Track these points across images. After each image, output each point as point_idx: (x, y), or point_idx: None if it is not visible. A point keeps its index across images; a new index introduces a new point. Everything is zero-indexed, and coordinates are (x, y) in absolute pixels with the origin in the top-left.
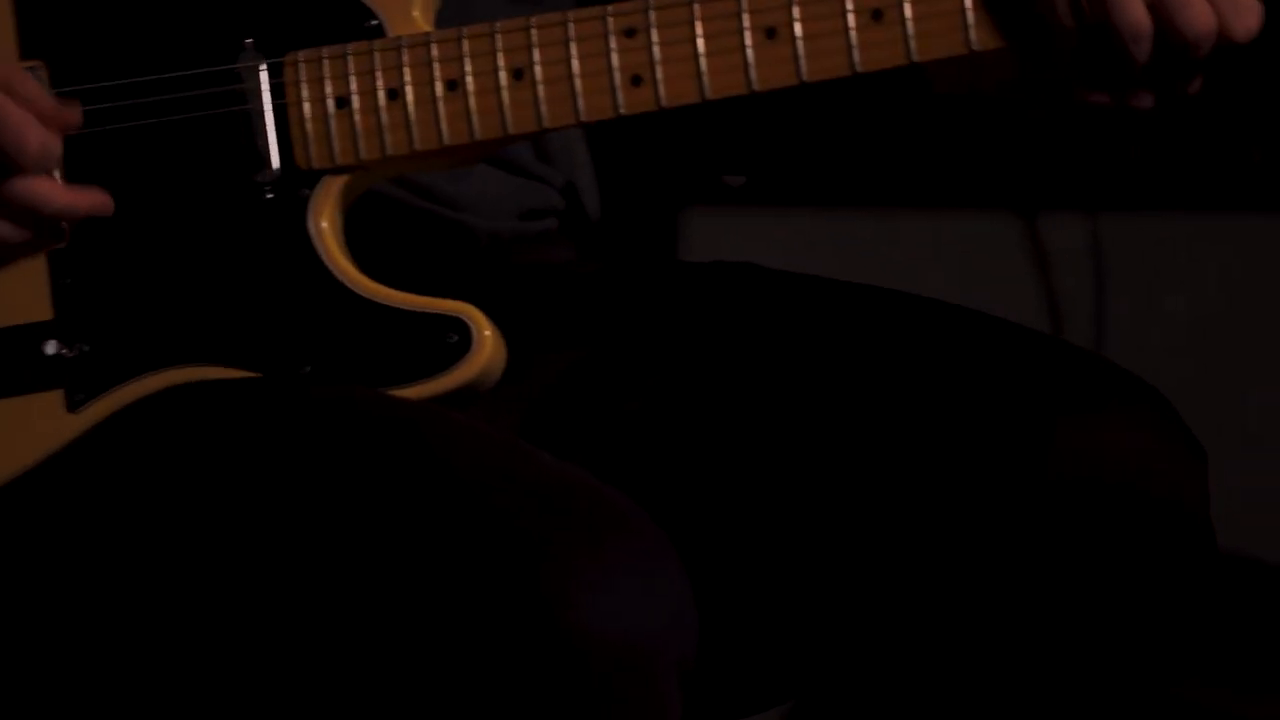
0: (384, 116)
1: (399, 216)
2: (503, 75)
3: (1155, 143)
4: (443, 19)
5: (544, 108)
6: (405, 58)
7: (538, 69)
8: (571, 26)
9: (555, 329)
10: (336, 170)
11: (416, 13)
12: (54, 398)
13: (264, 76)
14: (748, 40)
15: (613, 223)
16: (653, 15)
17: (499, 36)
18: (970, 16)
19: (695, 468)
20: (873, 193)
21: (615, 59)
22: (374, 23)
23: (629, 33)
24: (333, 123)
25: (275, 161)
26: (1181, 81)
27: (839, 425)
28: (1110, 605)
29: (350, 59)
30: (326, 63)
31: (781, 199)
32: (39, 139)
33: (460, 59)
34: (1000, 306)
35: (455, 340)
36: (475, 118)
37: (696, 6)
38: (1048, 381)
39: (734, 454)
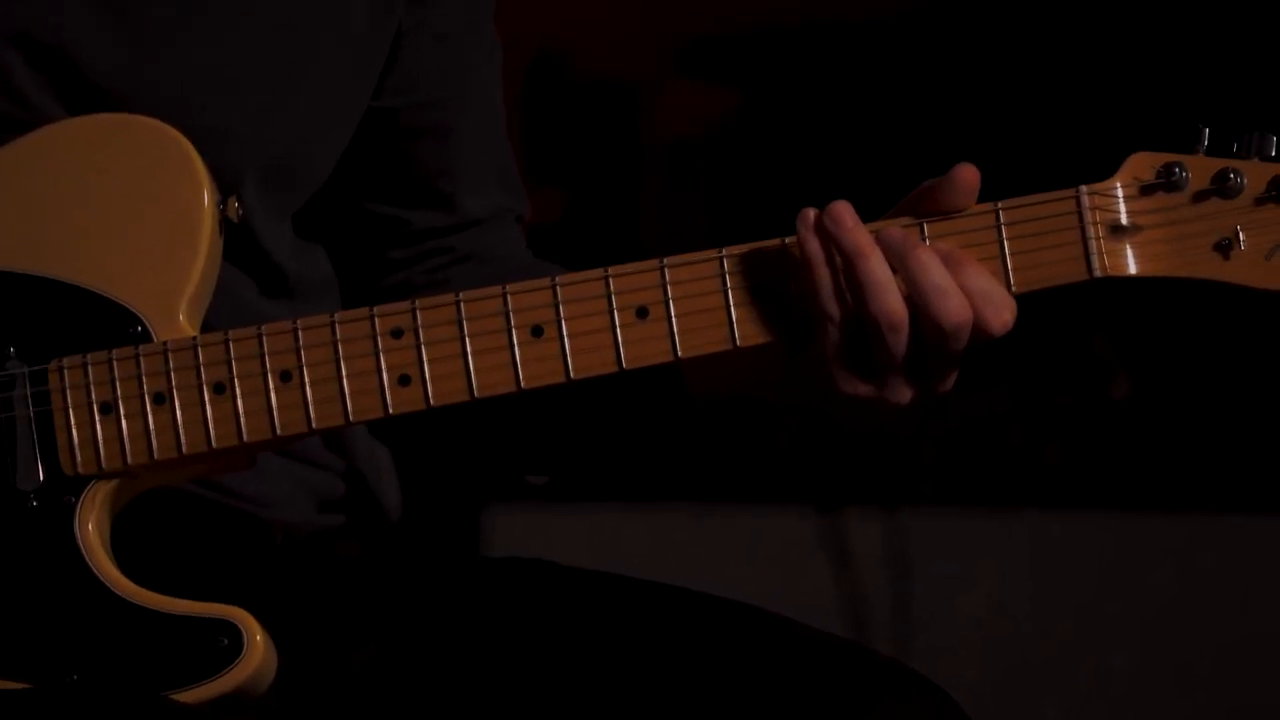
0: (150, 421)
1: (190, 509)
2: (270, 378)
3: (952, 440)
4: (208, 321)
5: (313, 409)
6: (171, 362)
7: (305, 371)
8: (338, 328)
9: (347, 625)
10: (103, 476)
11: (182, 317)
12: None
13: (26, 384)
14: (515, 339)
15: (412, 519)
16: (419, 316)
17: (265, 339)
18: (734, 313)
19: None
20: (676, 487)
21: (383, 359)
22: (138, 328)
23: (396, 333)
24: (98, 429)
25: (39, 469)
26: (938, 374)
27: None
28: None
29: (115, 364)
30: (90, 369)
31: (585, 495)
32: None
33: (227, 362)
34: (802, 601)
35: (226, 644)
36: (244, 420)
37: (463, 306)
38: (835, 688)
39: None
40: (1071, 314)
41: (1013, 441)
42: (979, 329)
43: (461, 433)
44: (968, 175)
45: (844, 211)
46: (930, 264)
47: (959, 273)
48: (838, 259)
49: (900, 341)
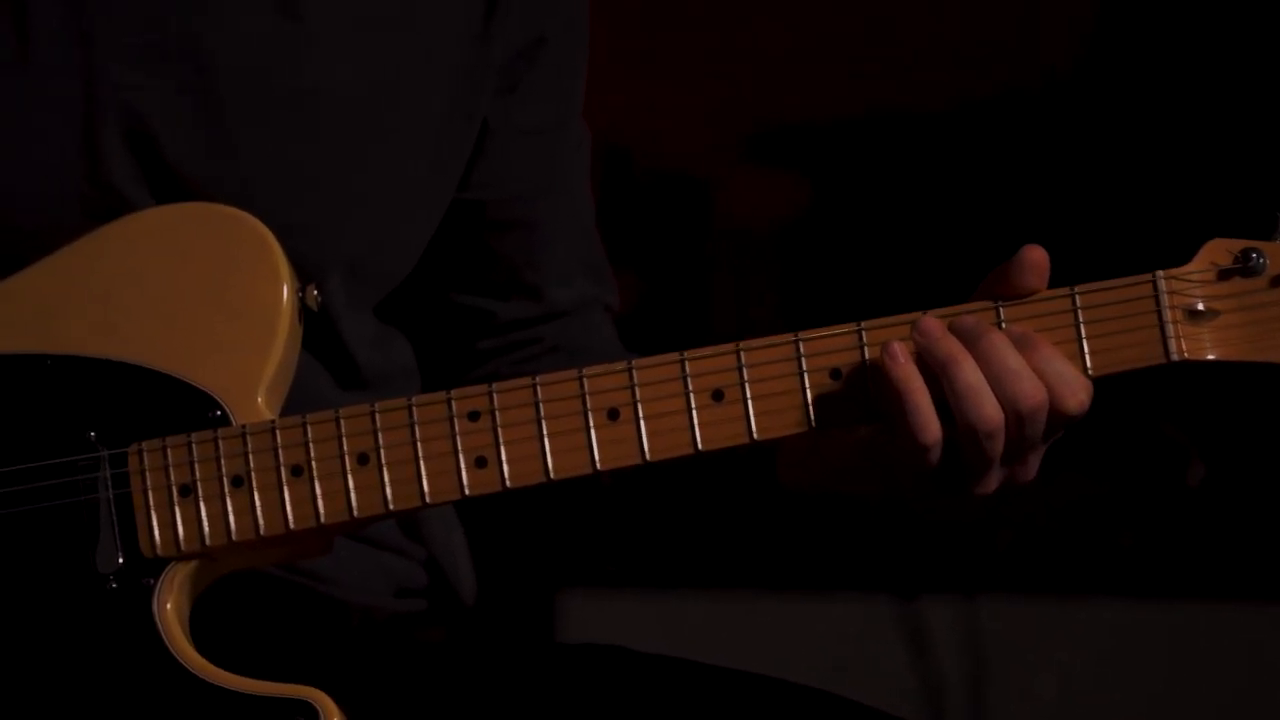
0: (229, 503)
1: (268, 591)
2: (348, 460)
3: (1028, 528)
4: (283, 411)
5: (390, 490)
6: (249, 445)
7: (382, 453)
8: (415, 411)
9: (422, 710)
10: (182, 557)
11: (261, 401)
12: None
13: (106, 467)
14: (591, 421)
15: (488, 605)
16: (496, 399)
17: (343, 422)
18: (809, 395)
19: None
20: (751, 574)
21: (459, 441)
22: (218, 412)
23: (473, 416)
24: (177, 511)
25: (119, 551)
26: (1022, 460)
27: None
28: None
29: (194, 447)
30: (169, 451)
31: (660, 579)
32: None
33: (305, 445)
34: (879, 687)
35: None
36: (321, 502)
37: (539, 389)
38: None
39: None
40: (1144, 399)
41: (1088, 527)
42: (1055, 411)
43: (539, 518)
44: (1035, 256)
45: (930, 323)
46: (1003, 347)
47: (1033, 355)
48: (920, 386)
49: (996, 446)
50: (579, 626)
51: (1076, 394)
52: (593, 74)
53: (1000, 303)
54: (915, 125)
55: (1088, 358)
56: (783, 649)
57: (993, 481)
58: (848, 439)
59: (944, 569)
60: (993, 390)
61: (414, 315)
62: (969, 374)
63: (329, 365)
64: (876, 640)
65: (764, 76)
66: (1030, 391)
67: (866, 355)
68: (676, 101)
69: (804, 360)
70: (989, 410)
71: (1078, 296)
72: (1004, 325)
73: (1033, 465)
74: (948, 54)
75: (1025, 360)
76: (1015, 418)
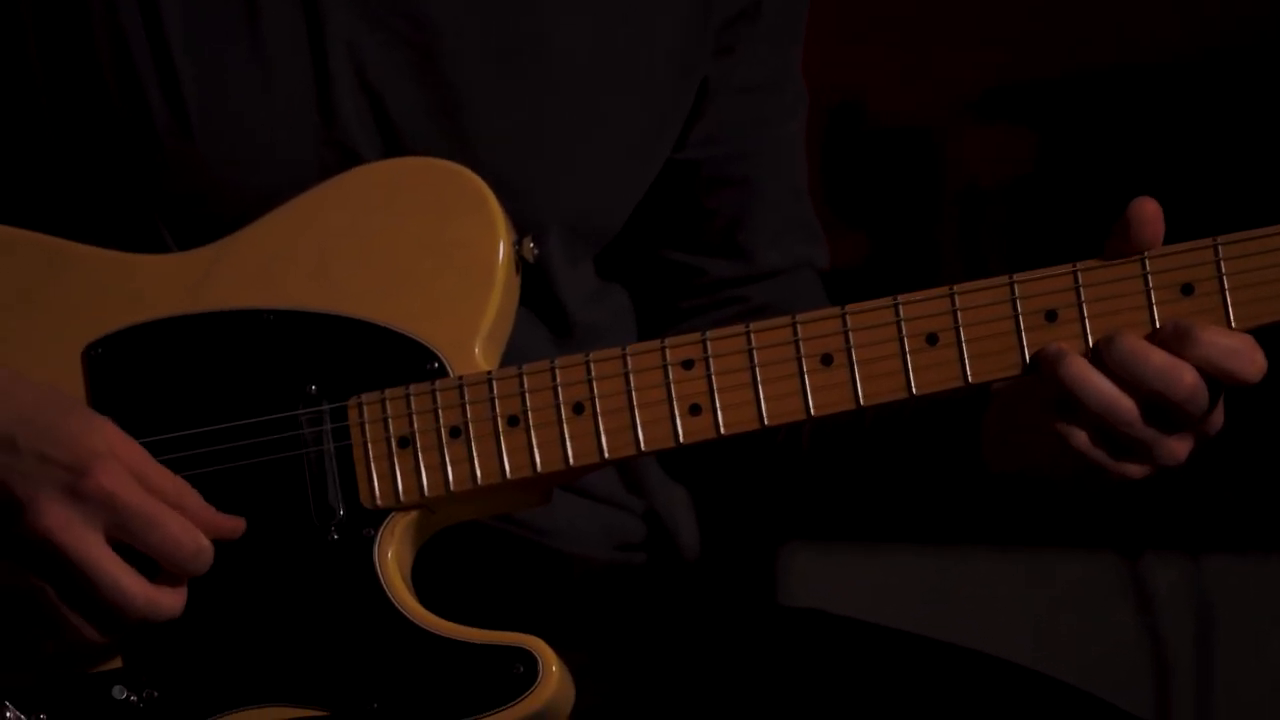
0: (447, 454)
1: (489, 542)
2: (563, 409)
3: (1254, 486)
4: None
5: (605, 439)
6: (466, 396)
7: (597, 402)
8: (629, 360)
9: (642, 664)
10: (402, 508)
11: (478, 352)
12: None
13: (327, 420)
14: (804, 367)
15: (710, 561)
16: (709, 346)
17: (558, 372)
18: (1024, 337)
19: None
20: (977, 531)
21: (673, 389)
22: (435, 364)
23: (686, 364)
24: (396, 462)
25: (340, 502)
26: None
27: None
28: None
29: (412, 399)
30: (388, 403)
31: (885, 537)
32: (194, 549)
33: (521, 395)
34: (1103, 646)
35: (521, 672)
36: (537, 451)
37: (753, 336)
38: None
39: None
40: None
41: None
42: (1235, 384)
43: (760, 474)
44: (1150, 209)
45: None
46: (1148, 353)
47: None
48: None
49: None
50: (801, 585)
51: (1255, 361)
52: (823, 32)
53: (1146, 254)
54: (1145, 77)
55: (1230, 310)
56: (1007, 607)
57: (1182, 448)
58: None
59: (1169, 528)
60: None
61: (628, 271)
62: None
63: (545, 319)
64: (1101, 598)
65: (992, 32)
66: (1188, 382)
67: (1083, 296)
68: (906, 60)
69: (1019, 302)
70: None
71: (1220, 247)
72: (1150, 276)
73: (1217, 420)
74: (1174, 6)
75: (1181, 355)
76: (1168, 404)
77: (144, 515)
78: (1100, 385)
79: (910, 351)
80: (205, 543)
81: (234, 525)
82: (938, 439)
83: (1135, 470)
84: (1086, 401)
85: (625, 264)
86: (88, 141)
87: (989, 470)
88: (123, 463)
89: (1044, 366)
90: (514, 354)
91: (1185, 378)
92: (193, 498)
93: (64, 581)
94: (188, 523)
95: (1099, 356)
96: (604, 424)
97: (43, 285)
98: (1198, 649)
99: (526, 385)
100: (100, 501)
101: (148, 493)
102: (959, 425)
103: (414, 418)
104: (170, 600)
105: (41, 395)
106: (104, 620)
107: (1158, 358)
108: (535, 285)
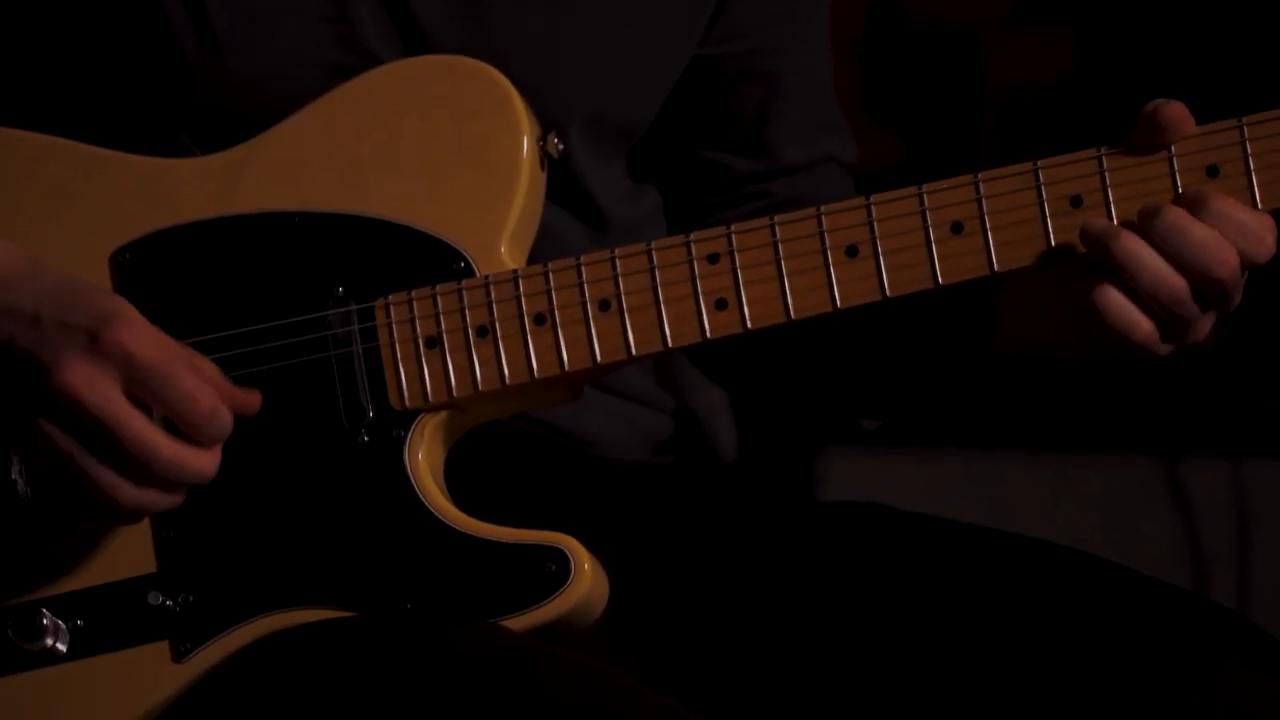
0: (474, 353)
1: (520, 444)
2: (590, 307)
3: None
4: (535, 260)
5: (632, 335)
6: (493, 294)
7: (624, 298)
8: (654, 255)
9: (677, 563)
10: (430, 409)
11: (504, 251)
12: (160, 649)
13: (355, 321)
14: (830, 259)
15: (747, 463)
16: (734, 240)
17: (584, 269)
18: (1050, 224)
19: (803, 706)
20: (1014, 434)
21: (699, 284)
22: (462, 264)
23: (712, 258)
24: (424, 363)
25: (369, 404)
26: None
27: (966, 675)
28: None
29: (439, 299)
30: (415, 304)
31: (920, 439)
32: (211, 407)
33: (547, 293)
34: (1141, 550)
35: (553, 570)
36: (565, 349)
37: (778, 229)
38: (1174, 640)
39: (849, 698)
40: None
41: None
42: (1245, 263)
43: (794, 376)
44: (1167, 112)
45: (1098, 223)
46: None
47: (1209, 213)
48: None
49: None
50: (838, 486)
51: (1264, 240)
52: None
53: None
54: None
55: (1256, 190)
56: (1042, 508)
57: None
58: (1065, 300)
59: (1208, 431)
60: (1177, 265)
61: (660, 172)
62: (1197, 230)
63: (581, 215)
64: (1139, 501)
65: None
66: (1221, 258)
67: (1108, 181)
68: None
69: (1044, 189)
70: (1227, 254)
71: (1245, 128)
72: (1176, 159)
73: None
74: None
75: (1205, 224)
76: (1206, 282)
77: (160, 370)
78: (1153, 261)
79: (935, 241)
80: (222, 405)
81: (249, 399)
82: (953, 318)
83: (1166, 348)
84: (1140, 277)
85: (657, 165)
86: (110, 55)
87: (995, 349)
88: (140, 323)
89: (1090, 242)
90: (554, 253)
91: (1225, 256)
92: (209, 367)
93: (91, 439)
94: (203, 383)
95: (1143, 229)
96: (630, 320)
97: (72, 192)
98: (1237, 553)
99: (553, 283)
100: (118, 356)
101: (163, 350)
102: (975, 304)
103: (441, 318)
104: (196, 459)
105: (65, 278)
106: (135, 476)
107: (1200, 231)
108: (566, 183)
